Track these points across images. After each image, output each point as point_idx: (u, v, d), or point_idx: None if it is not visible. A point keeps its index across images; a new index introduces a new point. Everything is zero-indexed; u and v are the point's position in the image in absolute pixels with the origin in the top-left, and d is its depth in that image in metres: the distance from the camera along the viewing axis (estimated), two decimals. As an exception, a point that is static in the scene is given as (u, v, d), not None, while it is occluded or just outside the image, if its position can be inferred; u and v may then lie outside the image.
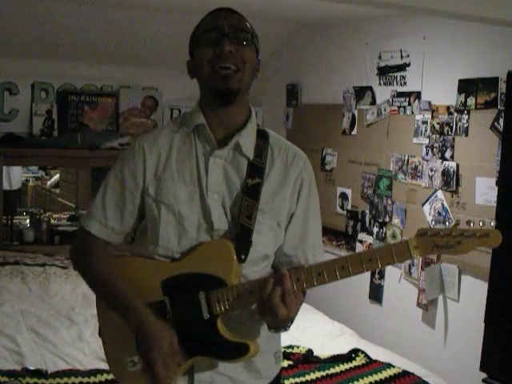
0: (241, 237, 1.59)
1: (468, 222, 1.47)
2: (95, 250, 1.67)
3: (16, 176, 6.23)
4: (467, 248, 1.46)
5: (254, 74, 1.61)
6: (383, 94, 3.88)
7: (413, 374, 3.03)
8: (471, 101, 3.25)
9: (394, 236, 3.78)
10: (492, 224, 1.47)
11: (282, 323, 1.56)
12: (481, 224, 1.46)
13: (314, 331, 3.56)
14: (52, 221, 5.08)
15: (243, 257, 1.58)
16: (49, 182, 7.24)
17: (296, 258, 1.69)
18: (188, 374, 1.62)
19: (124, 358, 1.62)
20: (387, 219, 3.83)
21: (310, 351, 3.22)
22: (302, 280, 1.53)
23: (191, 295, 1.58)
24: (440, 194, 3.45)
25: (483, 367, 3.09)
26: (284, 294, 1.49)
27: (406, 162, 3.69)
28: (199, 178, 1.61)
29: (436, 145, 3.48)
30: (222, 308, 1.56)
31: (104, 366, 2.87)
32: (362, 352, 3.24)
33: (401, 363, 3.17)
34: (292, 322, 1.59)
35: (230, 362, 1.61)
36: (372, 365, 3.12)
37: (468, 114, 3.28)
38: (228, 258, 1.57)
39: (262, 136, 1.67)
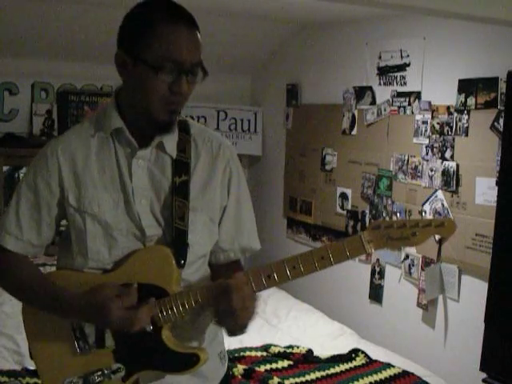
0: (177, 240, 1.51)
1: (420, 212, 1.45)
2: (16, 262, 1.57)
3: None
4: (422, 238, 1.42)
5: None
6: (383, 93, 3.88)
7: (413, 373, 3.03)
8: (471, 101, 3.25)
9: (393, 236, 3.77)
10: (446, 213, 1.44)
11: (240, 327, 1.49)
12: (434, 214, 1.44)
13: (314, 331, 3.56)
14: (52, 221, 5.07)
15: (182, 261, 1.51)
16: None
17: (233, 251, 1.65)
18: None
19: (61, 380, 1.52)
20: (387, 219, 3.83)
21: (310, 351, 3.23)
22: (251, 281, 1.46)
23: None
24: (440, 193, 3.44)
25: (483, 367, 3.09)
26: (245, 298, 1.42)
27: (406, 162, 3.69)
28: (123, 184, 1.52)
29: (436, 145, 3.48)
30: (166, 318, 1.48)
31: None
32: (362, 352, 3.24)
33: (401, 363, 3.17)
34: (247, 325, 1.51)
35: (180, 374, 1.53)
36: (372, 365, 3.13)
37: (468, 114, 3.28)
38: (167, 265, 1.49)
39: (183, 129, 1.59)
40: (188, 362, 1.50)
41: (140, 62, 1.44)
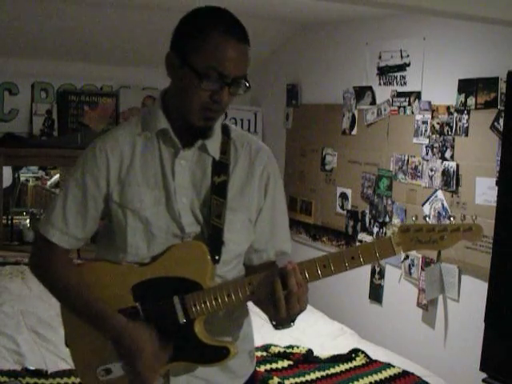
0: (213, 237, 1.55)
1: (449, 217, 1.48)
2: (58, 259, 1.61)
3: (5, 173, 6.18)
4: (450, 243, 1.46)
5: None
6: (383, 94, 3.88)
7: (413, 373, 3.03)
8: (471, 101, 3.25)
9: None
10: (474, 218, 1.47)
11: (291, 318, 1.52)
12: (462, 219, 1.46)
13: (314, 331, 3.56)
14: (52, 221, 5.06)
15: (217, 257, 1.55)
16: (49, 182, 7.22)
17: (266, 252, 1.68)
18: (164, 379, 1.59)
19: (95, 368, 1.57)
20: (387, 219, 3.83)
21: (310, 351, 3.22)
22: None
23: (165, 300, 1.53)
24: (440, 193, 3.45)
25: (483, 367, 3.09)
26: (300, 284, 1.46)
27: (406, 162, 3.69)
28: (165, 182, 1.57)
29: (436, 145, 3.48)
30: (199, 311, 1.52)
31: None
32: (362, 352, 3.24)
33: (401, 363, 3.17)
34: (296, 318, 1.55)
35: (209, 365, 1.58)
36: (372, 365, 3.12)
37: (468, 114, 3.28)
38: (202, 260, 1.53)
39: (224, 132, 1.65)
40: (218, 354, 1.55)
41: (187, 66, 1.49)
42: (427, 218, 1.49)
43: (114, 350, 1.55)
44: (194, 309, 1.52)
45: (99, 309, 1.55)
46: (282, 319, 1.52)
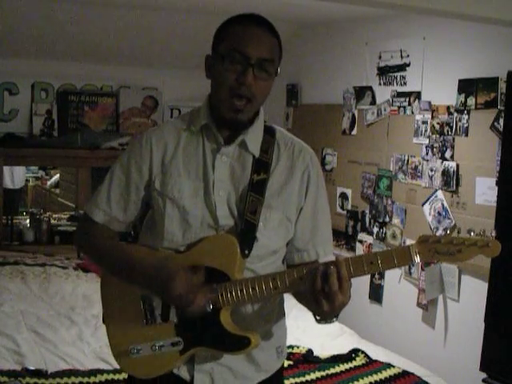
0: (245, 232, 1.60)
1: (469, 231, 1.51)
2: (101, 234, 1.72)
3: (19, 175, 6.22)
4: (467, 257, 1.52)
5: (264, 99, 1.69)
6: (383, 93, 3.88)
7: (413, 374, 3.03)
8: (471, 101, 3.25)
9: (393, 236, 3.78)
10: (493, 234, 1.50)
11: (335, 312, 1.56)
12: (481, 233, 1.50)
13: (314, 331, 3.56)
14: (52, 221, 5.07)
15: (247, 252, 1.60)
16: (49, 182, 7.24)
17: (307, 252, 1.71)
18: (189, 362, 1.64)
19: (127, 346, 1.64)
20: (387, 219, 3.83)
21: (310, 351, 3.22)
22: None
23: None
24: (440, 193, 3.45)
25: (483, 367, 3.09)
26: (341, 280, 1.51)
27: (406, 162, 3.69)
28: (205, 175, 1.63)
29: (436, 145, 3.48)
30: (225, 301, 1.58)
31: (104, 366, 2.88)
32: (362, 352, 3.24)
33: (401, 363, 3.17)
34: (339, 313, 1.60)
35: (230, 353, 1.63)
36: (372, 365, 3.12)
37: (468, 114, 3.28)
38: (232, 253, 1.59)
39: (268, 132, 1.72)
40: (240, 343, 1.60)
41: (215, 57, 1.60)
42: (472, 233, 1.51)
43: (155, 307, 1.61)
44: (220, 298, 1.57)
45: (135, 259, 1.62)
46: (325, 314, 1.56)
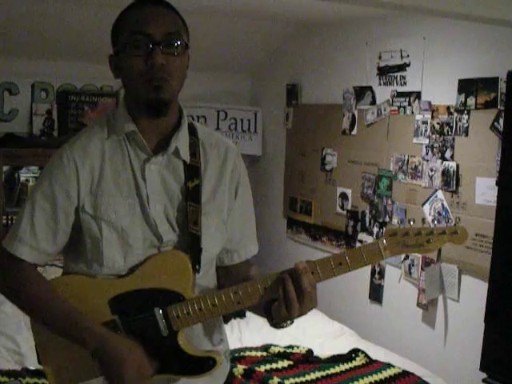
0: (192, 246, 1.50)
1: (433, 221, 1.50)
2: (28, 275, 1.50)
3: None
4: (436, 246, 1.48)
5: (183, 80, 1.51)
6: (383, 93, 3.88)
7: (413, 374, 3.03)
8: (471, 101, 3.25)
9: (394, 236, 3.77)
10: (458, 221, 1.51)
11: (295, 316, 1.49)
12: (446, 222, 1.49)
13: (314, 331, 3.56)
14: (52, 221, 5.06)
15: (197, 266, 1.51)
16: (49, 182, 7.22)
17: (237, 252, 1.66)
18: None
19: None
20: (387, 219, 3.83)
21: (310, 351, 3.23)
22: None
23: (145, 312, 1.48)
24: (440, 193, 3.44)
25: (483, 367, 3.09)
26: (311, 283, 1.45)
27: (406, 161, 3.69)
28: (138, 189, 1.50)
29: (436, 145, 3.48)
30: (183, 323, 1.48)
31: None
32: (362, 352, 3.24)
33: (401, 363, 3.17)
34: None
35: (196, 377, 1.53)
36: (372, 365, 3.12)
37: (468, 114, 3.28)
38: (183, 270, 1.49)
39: (191, 132, 1.58)
40: (205, 365, 1.52)
41: (118, 50, 1.46)
42: (411, 222, 1.50)
43: (95, 364, 1.46)
44: (177, 320, 1.48)
45: (77, 319, 1.46)
46: (286, 318, 1.49)
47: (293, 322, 1.53)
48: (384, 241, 1.48)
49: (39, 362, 1.60)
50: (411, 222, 1.51)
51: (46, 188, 1.48)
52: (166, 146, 1.51)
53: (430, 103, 3.53)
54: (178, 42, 1.45)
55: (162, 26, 1.43)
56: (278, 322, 1.52)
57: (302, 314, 1.47)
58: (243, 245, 1.67)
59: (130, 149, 1.51)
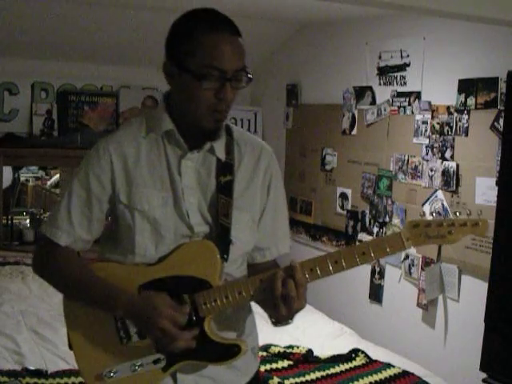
0: (221, 236, 1.57)
1: (455, 213, 1.51)
2: (65, 258, 1.61)
3: (5, 174, 6.18)
4: (458, 237, 1.50)
5: None
6: (383, 93, 3.88)
7: (413, 374, 3.02)
8: (471, 101, 3.25)
9: (394, 236, 3.77)
10: (480, 214, 1.51)
11: (290, 316, 1.54)
12: (468, 214, 1.50)
13: (313, 331, 3.56)
14: (52, 221, 5.06)
15: (225, 256, 1.56)
16: (49, 182, 7.22)
17: (269, 251, 1.70)
18: (172, 378, 1.59)
19: (100, 369, 1.56)
20: (387, 219, 3.83)
21: (310, 351, 3.22)
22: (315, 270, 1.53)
23: (174, 299, 1.52)
24: (440, 193, 3.45)
25: (483, 367, 3.09)
26: (297, 285, 1.48)
27: (406, 161, 3.69)
28: (173, 183, 1.57)
29: (436, 145, 3.48)
30: (210, 310, 1.53)
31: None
32: (362, 352, 3.24)
33: (401, 363, 3.17)
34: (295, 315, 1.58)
35: (220, 364, 1.58)
36: (372, 365, 3.12)
37: (468, 114, 3.28)
38: (211, 259, 1.54)
39: (227, 132, 1.65)
40: (229, 352, 1.56)
41: (184, 72, 1.49)
42: (457, 214, 1.51)
43: (119, 349, 1.53)
44: (204, 307, 1.53)
45: (109, 287, 1.54)
46: (281, 317, 1.53)
47: (289, 322, 1.57)
48: (406, 231, 1.50)
49: (69, 347, 1.66)
50: (434, 214, 1.53)
51: (82, 177, 1.59)
52: (201, 143, 1.58)
53: (429, 103, 3.53)
54: (244, 76, 1.53)
55: (235, 61, 1.49)
56: (275, 320, 1.57)
57: (290, 312, 1.51)
58: (274, 243, 1.71)
59: (168, 146, 1.59)
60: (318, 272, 1.52)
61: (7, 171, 6.25)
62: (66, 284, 1.61)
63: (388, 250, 1.51)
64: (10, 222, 4.87)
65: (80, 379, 2.73)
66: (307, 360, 3.13)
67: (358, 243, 4.08)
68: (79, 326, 1.62)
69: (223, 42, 1.48)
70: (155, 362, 1.53)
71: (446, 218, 1.53)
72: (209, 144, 1.58)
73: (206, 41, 1.47)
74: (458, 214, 1.50)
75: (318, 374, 2.99)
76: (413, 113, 3.65)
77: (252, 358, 1.72)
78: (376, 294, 3.96)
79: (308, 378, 2.96)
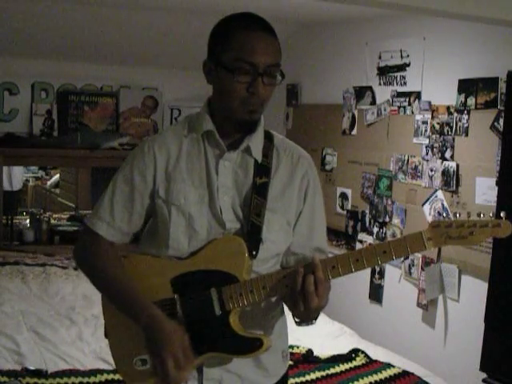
0: (251, 233, 1.61)
1: (478, 214, 1.50)
2: (103, 251, 1.67)
3: (17, 177, 6.22)
4: (479, 238, 1.50)
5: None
6: (383, 93, 3.88)
7: (413, 374, 3.02)
8: (471, 101, 3.25)
9: (393, 236, 3.77)
10: (504, 215, 1.50)
11: (311, 314, 1.58)
12: (491, 215, 1.49)
13: (314, 331, 3.55)
14: (52, 221, 5.07)
15: (254, 253, 1.60)
16: (49, 182, 7.23)
17: (304, 256, 1.72)
18: (197, 372, 1.63)
19: (132, 358, 1.63)
20: (387, 219, 3.83)
21: (310, 351, 3.22)
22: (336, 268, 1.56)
23: (202, 292, 1.59)
24: (440, 193, 3.45)
25: (483, 367, 3.09)
26: (316, 282, 1.51)
27: (406, 162, 3.69)
28: (209, 181, 1.63)
29: (436, 145, 3.48)
30: (235, 304, 1.58)
31: (104, 366, 2.88)
32: (362, 352, 3.24)
33: (401, 363, 3.17)
34: (318, 315, 1.62)
35: (243, 357, 1.62)
36: (372, 365, 3.12)
37: (468, 114, 3.28)
38: (239, 254, 1.59)
39: (267, 137, 1.72)
40: (252, 346, 1.59)
41: (219, 67, 1.57)
42: (457, 215, 1.51)
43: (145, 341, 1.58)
44: (229, 301, 1.57)
45: (134, 298, 1.59)
46: (301, 314, 1.57)
47: (312, 322, 1.62)
48: (427, 231, 1.51)
49: (105, 335, 1.73)
50: (457, 215, 1.52)
51: (126, 172, 1.66)
52: (239, 144, 1.65)
53: (430, 103, 3.53)
54: (276, 73, 1.59)
55: (267, 56, 1.55)
56: (298, 320, 1.61)
57: (308, 309, 1.53)
58: (310, 248, 1.74)
59: (208, 146, 1.65)
60: (340, 270, 1.55)
61: (19, 175, 6.29)
62: (99, 282, 1.68)
63: (409, 249, 1.53)
64: (10, 221, 4.88)
65: (80, 379, 2.73)
66: (307, 360, 3.13)
67: (357, 243, 4.08)
68: (114, 316, 1.68)
69: (255, 37, 1.55)
70: None
71: (469, 219, 1.50)
72: (245, 143, 1.63)
73: (239, 37, 1.55)
74: (458, 214, 1.51)
75: (318, 374, 2.99)
76: (413, 113, 3.65)
77: (281, 361, 1.75)
78: (376, 293, 3.96)
79: (308, 377, 2.96)
